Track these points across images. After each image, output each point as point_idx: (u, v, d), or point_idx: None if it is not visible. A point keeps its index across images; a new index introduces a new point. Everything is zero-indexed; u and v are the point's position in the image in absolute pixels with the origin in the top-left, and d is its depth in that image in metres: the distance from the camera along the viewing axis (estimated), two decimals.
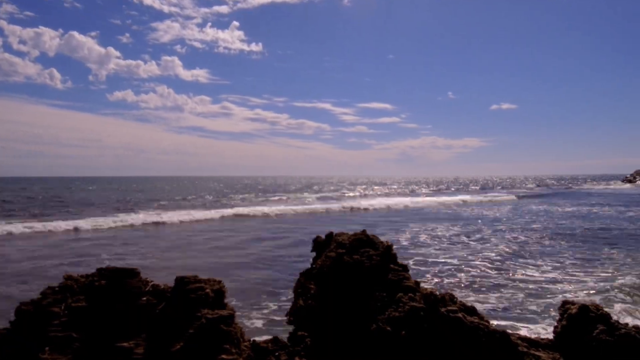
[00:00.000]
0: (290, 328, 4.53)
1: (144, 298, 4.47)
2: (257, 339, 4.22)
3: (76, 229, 22.82)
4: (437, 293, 4.41)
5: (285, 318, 4.74)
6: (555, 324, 4.09)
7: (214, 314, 4.12)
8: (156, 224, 25.93)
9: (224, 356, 3.86)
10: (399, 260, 4.75)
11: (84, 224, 23.91)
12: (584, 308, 3.86)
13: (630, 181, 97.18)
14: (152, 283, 4.57)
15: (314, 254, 4.97)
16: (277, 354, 4.17)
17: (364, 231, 4.76)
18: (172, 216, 28.20)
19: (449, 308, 4.23)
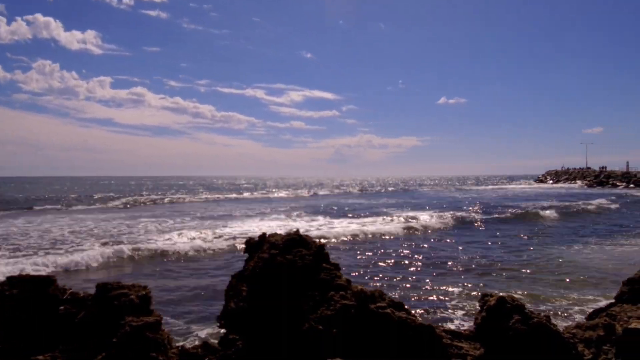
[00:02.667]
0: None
1: (62, 307, 4.18)
2: (187, 344, 4.08)
3: None
4: (367, 290, 4.52)
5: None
6: (476, 315, 4.32)
7: (139, 321, 3.94)
8: None
9: None
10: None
11: None
12: (501, 299, 4.12)
13: (541, 181, 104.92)
14: (71, 291, 4.29)
15: None
16: (207, 359, 4.07)
17: (297, 231, 4.77)
18: None
19: (379, 304, 4.35)
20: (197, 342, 5.46)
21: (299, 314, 4.30)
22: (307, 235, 4.72)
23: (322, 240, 4.76)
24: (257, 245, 4.67)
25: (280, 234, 4.70)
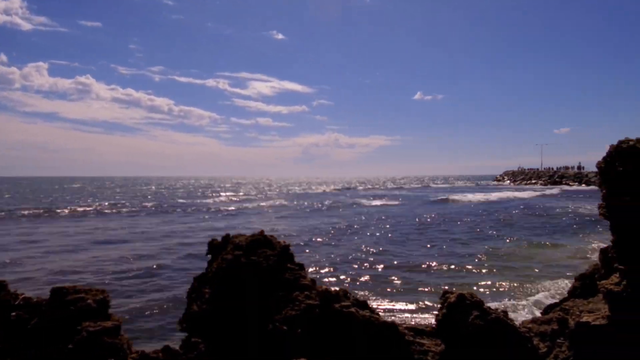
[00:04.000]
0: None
1: (13, 313, 4.00)
2: (147, 349, 3.99)
3: None
4: (332, 290, 4.54)
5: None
6: (437, 312, 4.41)
7: (97, 326, 3.83)
8: None
9: None
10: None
11: None
12: (461, 296, 4.22)
13: (499, 181, 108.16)
14: (23, 296, 4.11)
15: None
16: None
17: (261, 232, 4.73)
18: None
19: (343, 304, 4.38)
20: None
21: (263, 315, 4.27)
22: (271, 236, 4.70)
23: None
24: (220, 246, 4.61)
25: (244, 235, 4.66)
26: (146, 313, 9.06)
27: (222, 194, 67.69)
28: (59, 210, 35.93)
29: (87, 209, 38.21)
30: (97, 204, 44.80)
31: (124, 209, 37.75)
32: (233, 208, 39.93)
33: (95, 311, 4.01)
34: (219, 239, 4.70)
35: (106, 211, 36.39)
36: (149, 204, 43.54)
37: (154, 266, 13.82)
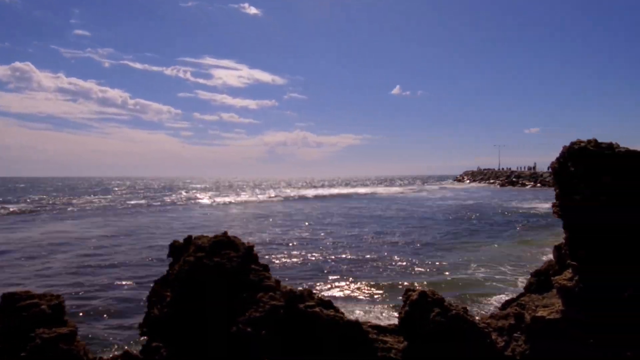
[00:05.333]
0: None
1: None
2: (105, 356, 3.87)
3: None
4: (297, 290, 4.54)
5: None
6: (400, 310, 4.49)
7: (52, 333, 3.69)
8: None
9: None
10: None
11: None
12: (422, 294, 4.30)
13: (459, 180, 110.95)
14: None
15: None
16: None
17: (225, 233, 4.68)
18: None
19: (307, 304, 4.39)
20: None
21: (227, 317, 4.23)
22: (235, 237, 4.66)
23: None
24: (182, 248, 4.53)
25: (207, 236, 4.60)
26: (104, 317, 8.80)
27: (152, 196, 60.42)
28: None
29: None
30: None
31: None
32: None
33: (49, 317, 3.86)
34: (181, 240, 4.62)
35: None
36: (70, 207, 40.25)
37: (108, 269, 13.43)
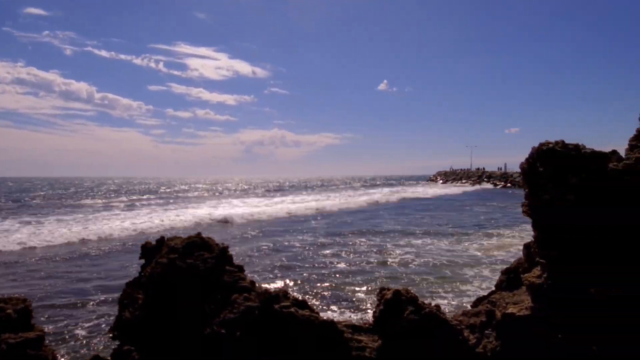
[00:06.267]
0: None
1: None
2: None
3: None
4: (272, 290, 4.53)
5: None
6: (374, 309, 4.53)
7: (18, 338, 3.58)
8: None
9: None
10: None
11: None
12: (397, 292, 4.36)
13: (432, 180, 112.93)
14: None
15: None
16: None
17: (198, 234, 4.63)
18: None
19: (282, 304, 4.38)
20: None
21: (201, 320, 4.18)
22: (209, 238, 4.61)
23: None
24: (154, 249, 4.46)
25: (180, 237, 4.54)
26: (73, 321, 8.58)
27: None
28: None
29: None
30: None
31: None
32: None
33: (16, 322, 3.75)
34: (154, 242, 4.54)
35: None
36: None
37: (77, 271, 13.11)
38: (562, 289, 3.97)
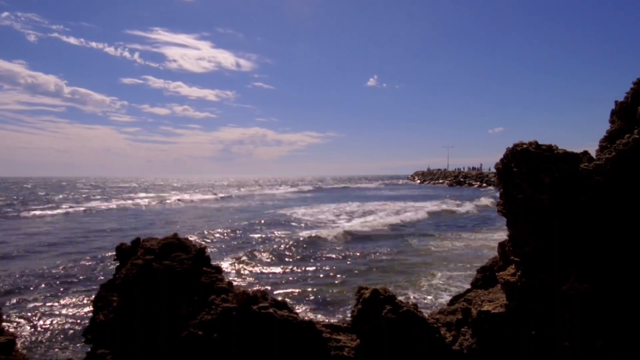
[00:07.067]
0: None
1: None
2: None
3: None
4: (250, 291, 4.50)
5: None
6: (353, 308, 4.54)
7: None
8: None
9: None
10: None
11: None
12: (375, 291, 4.38)
13: (410, 180, 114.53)
14: None
15: None
16: None
17: (175, 234, 4.56)
18: None
19: (261, 305, 4.35)
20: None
21: (177, 322, 4.13)
22: (186, 239, 4.55)
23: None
24: (130, 251, 4.37)
25: (156, 239, 4.46)
26: (46, 324, 8.36)
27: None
28: None
29: None
30: None
31: None
32: None
33: None
34: (129, 243, 4.46)
35: None
36: None
37: (44, 273, 12.78)
38: (535, 286, 4.06)
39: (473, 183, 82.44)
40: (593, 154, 4.43)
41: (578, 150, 4.31)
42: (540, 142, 4.30)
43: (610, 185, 3.83)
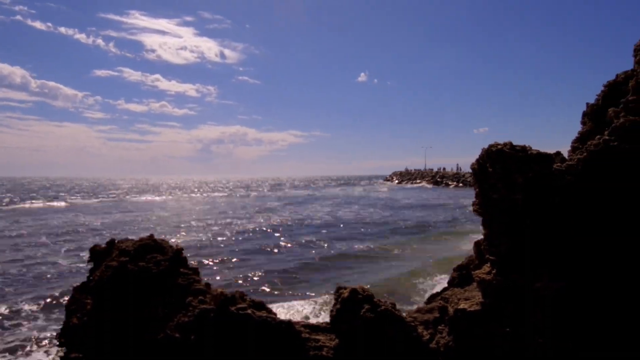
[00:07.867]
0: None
1: None
2: None
3: None
4: (228, 292, 4.46)
5: None
6: (332, 308, 4.55)
7: None
8: None
9: None
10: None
11: None
12: (353, 291, 4.40)
13: (388, 180, 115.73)
14: None
15: None
16: None
17: (150, 236, 4.50)
18: None
19: (239, 306, 4.32)
20: None
21: (153, 324, 4.07)
22: (163, 240, 4.49)
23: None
24: (104, 252, 4.29)
25: (131, 240, 4.39)
26: (18, 327, 8.14)
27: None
28: None
29: None
30: None
31: None
32: None
33: None
34: (103, 244, 4.37)
35: None
36: None
37: (17, 276, 12.46)
38: (510, 284, 4.13)
39: (450, 183, 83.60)
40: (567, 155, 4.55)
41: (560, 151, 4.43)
42: (523, 143, 4.37)
43: (581, 185, 3.93)
